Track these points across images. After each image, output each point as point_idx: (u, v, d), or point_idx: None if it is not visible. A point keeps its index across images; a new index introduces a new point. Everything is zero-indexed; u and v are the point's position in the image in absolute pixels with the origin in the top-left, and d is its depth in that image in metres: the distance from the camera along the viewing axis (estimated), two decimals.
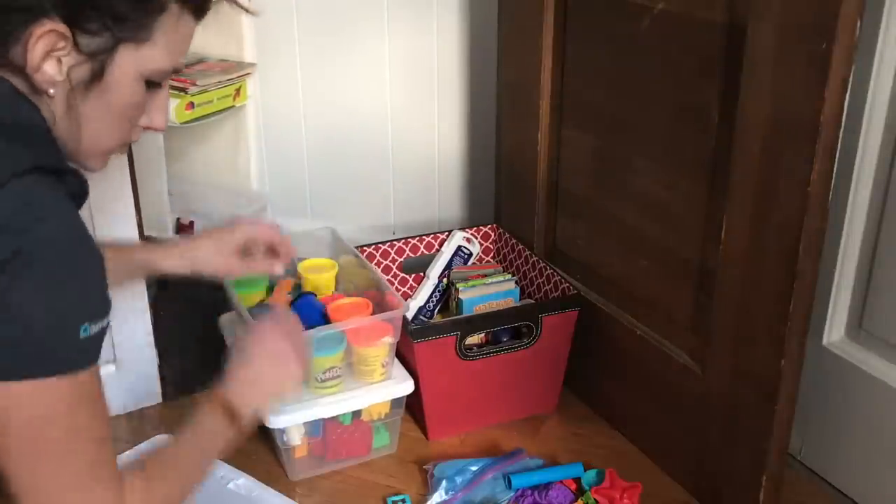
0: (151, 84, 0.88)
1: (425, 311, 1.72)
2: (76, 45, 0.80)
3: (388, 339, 1.35)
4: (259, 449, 1.41)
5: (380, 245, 1.69)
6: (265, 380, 1.08)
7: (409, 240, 1.72)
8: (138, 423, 1.49)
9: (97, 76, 0.82)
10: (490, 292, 1.61)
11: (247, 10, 0.98)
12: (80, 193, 0.83)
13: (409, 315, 1.68)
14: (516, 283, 1.65)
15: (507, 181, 1.74)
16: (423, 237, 1.73)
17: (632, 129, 1.38)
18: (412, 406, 1.52)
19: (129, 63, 0.83)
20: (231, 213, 2.07)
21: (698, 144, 1.24)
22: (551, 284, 1.55)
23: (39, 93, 0.81)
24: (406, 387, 1.37)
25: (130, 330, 1.51)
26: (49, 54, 0.79)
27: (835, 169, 1.06)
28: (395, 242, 1.71)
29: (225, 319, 1.52)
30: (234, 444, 0.98)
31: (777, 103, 1.08)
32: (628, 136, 1.40)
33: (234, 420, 0.99)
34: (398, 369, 1.40)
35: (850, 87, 1.02)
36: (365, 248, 1.67)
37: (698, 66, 1.22)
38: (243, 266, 1.28)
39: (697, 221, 1.27)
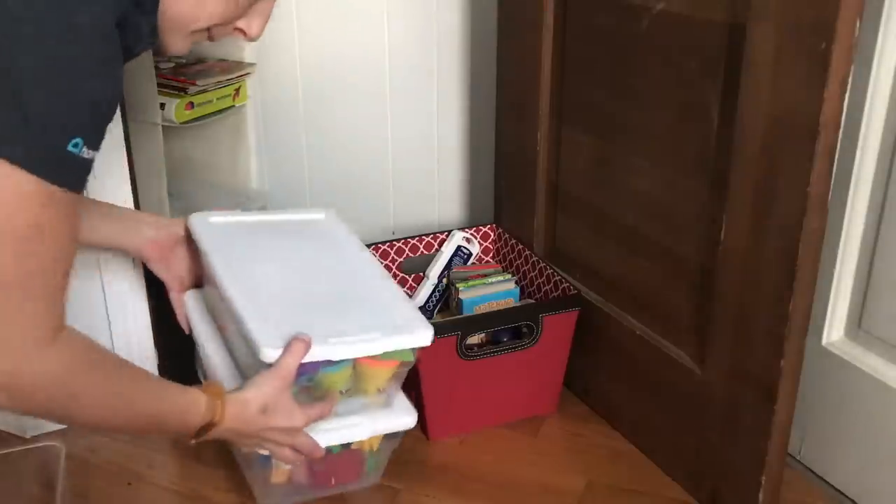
0: None
1: (425, 311, 1.72)
2: None
3: (397, 368, 1.21)
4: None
5: (379, 245, 1.69)
6: (265, 437, 1.09)
7: (409, 240, 1.72)
8: None
9: None
10: (490, 292, 1.62)
11: None
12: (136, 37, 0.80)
13: None
14: (516, 283, 1.65)
15: (507, 181, 1.74)
16: (423, 237, 1.73)
17: (632, 129, 1.38)
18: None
19: None
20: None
21: (698, 144, 1.24)
22: (551, 284, 1.55)
23: None
24: (406, 421, 1.25)
25: (130, 329, 1.51)
26: None
27: (834, 169, 1.06)
28: (394, 242, 1.71)
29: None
30: (180, 440, 1.00)
31: (777, 103, 1.08)
32: (628, 136, 1.40)
33: (206, 427, 1.00)
34: (401, 400, 1.27)
35: (849, 87, 1.02)
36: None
37: (698, 66, 1.22)
38: (157, 263, 1.30)
39: (697, 221, 1.27)
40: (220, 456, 1.39)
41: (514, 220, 1.72)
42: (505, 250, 1.74)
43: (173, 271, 1.34)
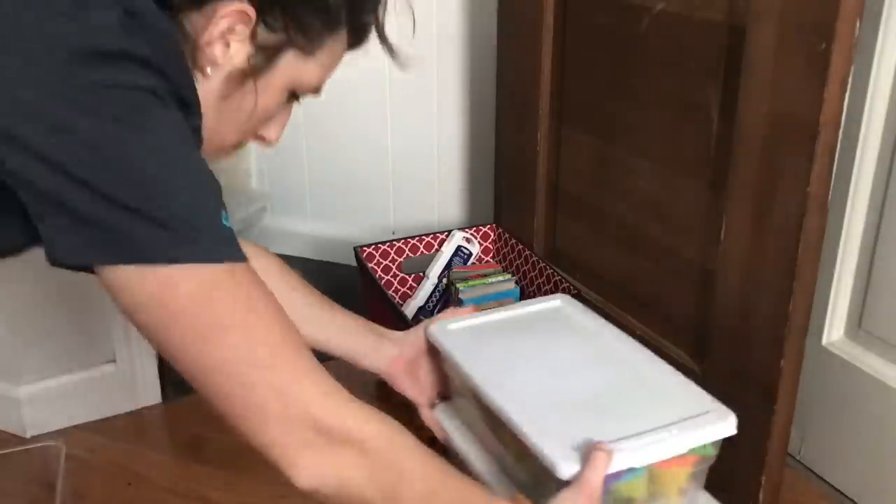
0: (292, 97, 0.87)
1: (425, 311, 1.72)
2: (253, 34, 0.78)
3: (695, 466, 1.04)
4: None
5: (379, 245, 1.69)
6: None
7: (409, 240, 1.72)
8: (138, 424, 1.49)
9: (256, 72, 0.80)
10: (490, 292, 1.62)
11: (393, 58, 0.97)
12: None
13: (409, 315, 1.68)
14: (516, 283, 1.65)
15: (506, 181, 1.74)
16: (423, 237, 1.73)
17: (632, 129, 1.38)
18: (412, 406, 1.52)
19: (289, 70, 0.82)
20: (231, 212, 2.08)
21: (698, 144, 1.24)
22: (551, 284, 1.55)
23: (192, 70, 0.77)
24: None
25: (130, 330, 1.51)
26: (225, 35, 0.77)
27: (834, 169, 1.06)
28: (394, 242, 1.71)
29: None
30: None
31: (777, 103, 1.08)
32: (628, 136, 1.40)
33: None
34: (707, 499, 1.07)
35: (849, 87, 1.02)
36: (365, 248, 1.67)
37: (698, 66, 1.22)
38: (404, 380, 1.18)
39: (697, 221, 1.27)
40: (220, 456, 1.39)
41: (514, 220, 1.72)
42: (505, 250, 1.74)
43: (421, 386, 1.20)
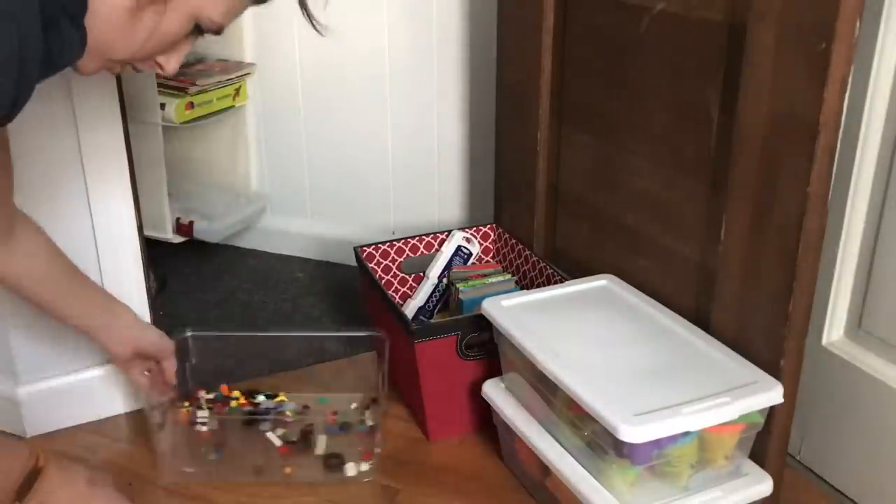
0: (195, 31, 0.90)
1: (425, 311, 1.72)
2: None
3: (743, 432, 1.13)
4: None
5: (379, 245, 1.69)
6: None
7: (409, 240, 1.72)
8: (138, 423, 1.49)
9: None
10: (490, 292, 1.61)
11: (314, 26, 1.00)
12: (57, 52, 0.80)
13: (409, 315, 1.68)
14: (516, 283, 1.65)
15: (506, 181, 1.74)
16: (423, 237, 1.73)
17: (632, 129, 1.38)
18: (412, 406, 1.52)
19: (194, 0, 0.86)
20: (231, 212, 2.08)
21: (698, 144, 1.24)
22: (551, 284, 1.55)
23: None
24: (763, 489, 1.15)
25: None
26: None
27: (834, 169, 1.06)
28: (394, 242, 1.71)
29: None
30: None
31: (777, 103, 1.08)
32: (628, 136, 1.40)
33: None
34: (751, 466, 1.17)
35: (849, 87, 1.02)
36: (365, 248, 1.67)
37: (698, 66, 1.22)
38: (129, 369, 1.37)
39: (697, 221, 1.27)
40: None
41: (514, 220, 1.72)
42: (505, 250, 1.74)
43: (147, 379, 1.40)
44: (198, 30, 0.90)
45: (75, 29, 0.81)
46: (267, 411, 1.44)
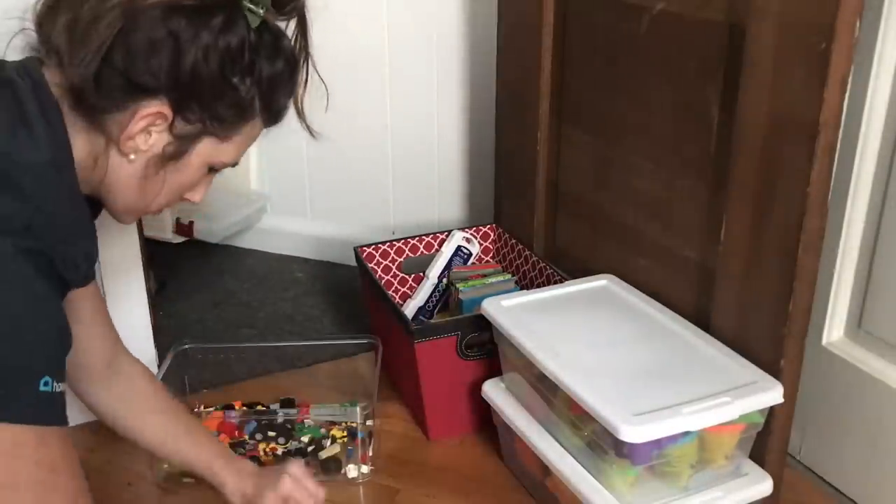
0: (211, 170, 0.96)
1: (425, 311, 1.72)
2: (171, 126, 0.88)
3: (743, 433, 1.13)
4: None
5: (379, 245, 1.69)
6: None
7: (409, 240, 1.72)
8: None
9: (176, 157, 0.90)
10: (490, 292, 1.61)
11: (310, 132, 1.08)
12: (74, 267, 0.85)
13: (409, 315, 1.68)
14: (516, 282, 1.65)
15: (506, 181, 1.74)
16: (423, 237, 1.73)
17: (632, 129, 1.38)
18: (412, 406, 1.52)
19: (206, 152, 0.92)
20: (231, 212, 2.08)
21: (698, 144, 1.24)
22: (551, 284, 1.55)
23: (115, 154, 0.88)
24: (763, 488, 1.15)
25: (130, 330, 1.51)
26: (146, 129, 0.87)
27: (834, 169, 1.06)
28: (394, 242, 1.71)
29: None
30: None
31: (777, 103, 1.08)
32: (628, 136, 1.40)
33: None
34: (751, 466, 1.17)
35: (849, 87, 1.02)
36: (365, 248, 1.68)
37: (698, 66, 1.22)
38: None
39: (697, 221, 1.27)
40: None
41: (514, 220, 1.72)
42: (505, 250, 1.74)
43: None
44: (213, 170, 0.96)
45: (73, 248, 0.85)
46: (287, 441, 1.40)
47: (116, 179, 0.90)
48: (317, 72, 1.02)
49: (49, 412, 0.79)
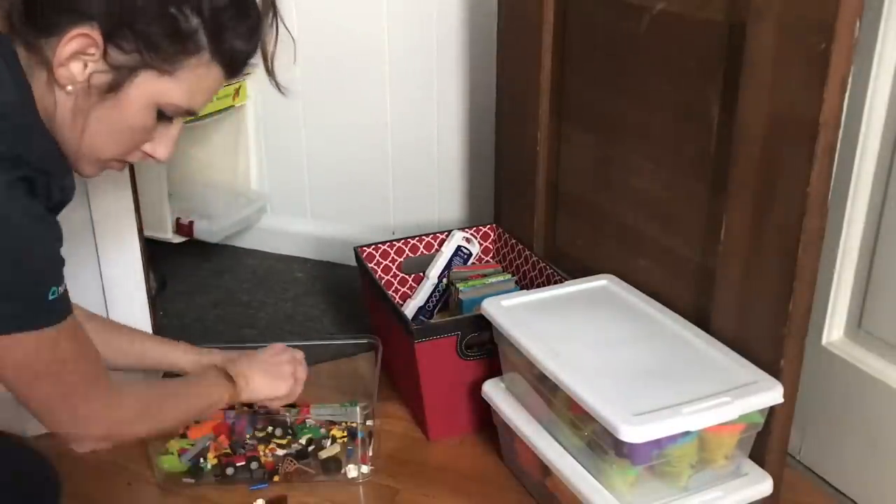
0: (163, 115, 0.93)
1: (425, 311, 1.72)
2: (105, 55, 0.86)
3: (743, 433, 1.13)
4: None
5: (379, 245, 1.69)
6: (269, 371, 1.28)
7: (409, 240, 1.72)
8: None
9: (113, 88, 0.88)
10: (490, 292, 1.61)
11: (278, 88, 1.04)
12: (48, 196, 0.88)
13: (409, 315, 1.68)
14: (516, 282, 1.65)
15: (506, 181, 1.74)
16: (423, 237, 1.73)
17: (632, 129, 1.38)
18: (412, 406, 1.52)
19: (147, 88, 0.89)
20: (231, 212, 2.08)
21: (698, 144, 1.24)
22: (551, 284, 1.55)
23: (55, 87, 0.87)
24: (763, 488, 1.15)
25: None
26: (77, 55, 0.85)
27: (834, 169, 1.06)
28: (394, 242, 1.71)
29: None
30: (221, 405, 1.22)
31: (777, 103, 1.08)
32: (628, 136, 1.40)
33: (230, 386, 1.22)
34: (751, 466, 1.17)
35: (849, 87, 1.02)
36: (365, 248, 1.68)
37: (698, 66, 1.22)
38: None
39: (697, 221, 1.27)
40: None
41: (514, 220, 1.72)
42: (505, 250, 1.74)
43: None
44: (165, 116, 0.93)
45: (52, 181, 0.89)
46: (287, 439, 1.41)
47: (61, 115, 0.89)
48: (284, 26, 0.99)
49: (57, 314, 0.88)
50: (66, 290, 0.88)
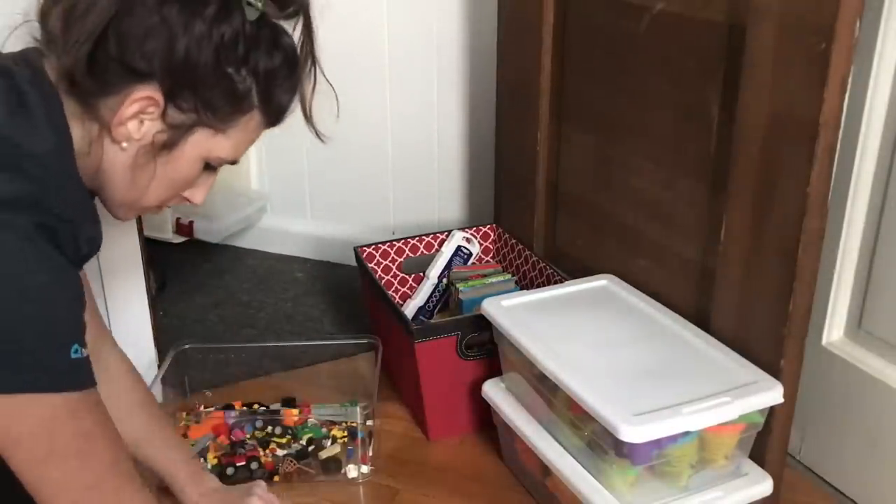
0: (208, 166, 0.95)
1: (425, 311, 1.72)
2: (163, 114, 0.87)
3: (743, 433, 1.13)
4: None
5: (379, 245, 1.69)
6: None
7: (409, 240, 1.72)
8: None
9: (168, 146, 0.90)
10: (490, 292, 1.61)
11: (318, 136, 1.08)
12: (75, 247, 0.85)
13: (409, 315, 1.68)
14: (516, 283, 1.65)
15: (507, 181, 1.74)
16: (423, 237, 1.73)
17: (632, 129, 1.38)
18: (412, 406, 1.52)
19: (200, 145, 0.91)
20: (231, 212, 2.08)
21: (698, 144, 1.24)
22: (551, 284, 1.55)
23: (108, 142, 0.88)
24: (764, 488, 1.15)
25: (130, 330, 1.51)
26: (137, 115, 0.87)
27: (834, 169, 1.06)
28: (394, 242, 1.71)
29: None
30: None
31: (777, 103, 1.08)
32: (628, 136, 1.40)
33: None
34: (751, 466, 1.17)
35: (849, 87, 1.02)
36: (365, 248, 1.67)
37: (698, 66, 1.22)
38: None
39: (697, 221, 1.27)
40: None
41: (514, 220, 1.72)
42: (505, 250, 1.74)
43: None
44: (211, 166, 0.95)
45: (76, 230, 0.86)
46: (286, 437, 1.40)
47: (110, 168, 0.90)
48: (324, 76, 1.01)
49: (81, 378, 0.81)
50: (88, 357, 0.82)
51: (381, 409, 1.48)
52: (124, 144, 0.88)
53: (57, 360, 0.79)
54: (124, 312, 1.49)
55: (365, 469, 1.36)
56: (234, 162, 0.96)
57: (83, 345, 0.81)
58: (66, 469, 0.82)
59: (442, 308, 1.74)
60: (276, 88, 0.94)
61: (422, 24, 1.89)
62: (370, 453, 1.38)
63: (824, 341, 1.34)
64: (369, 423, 1.40)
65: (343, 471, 1.36)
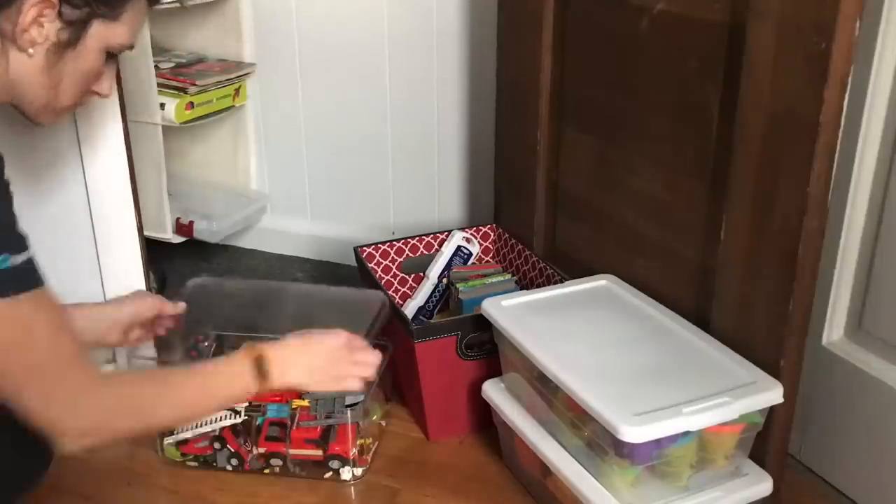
0: (110, 55, 1.03)
1: (425, 311, 1.72)
2: (60, 13, 0.95)
3: (743, 433, 1.13)
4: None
5: (379, 245, 1.69)
6: (314, 359, 1.12)
7: (409, 240, 1.72)
8: None
9: (73, 42, 0.97)
10: (490, 292, 1.61)
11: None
12: None
13: (409, 315, 1.68)
14: (516, 282, 1.65)
15: (507, 181, 1.74)
16: (423, 237, 1.73)
17: (632, 129, 1.38)
18: (412, 406, 1.52)
19: (100, 35, 0.99)
20: (231, 212, 2.08)
21: (698, 144, 1.24)
22: (551, 284, 1.55)
23: (14, 52, 0.94)
24: (764, 488, 1.15)
25: None
26: (37, 20, 0.93)
27: (834, 169, 1.06)
28: (394, 243, 1.71)
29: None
30: (249, 396, 1.07)
31: (777, 103, 1.08)
32: (628, 136, 1.40)
33: (259, 374, 1.06)
34: (751, 466, 1.17)
35: (849, 87, 1.02)
36: (365, 248, 1.67)
37: (698, 66, 1.22)
38: (127, 341, 1.28)
39: (697, 221, 1.27)
40: None
41: (514, 220, 1.72)
42: (505, 250, 1.74)
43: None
44: (111, 54, 1.03)
45: None
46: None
47: (24, 77, 0.97)
48: None
49: (14, 283, 0.86)
50: (31, 261, 0.88)
51: (380, 410, 1.48)
52: (31, 51, 0.95)
53: None
54: None
55: (358, 471, 1.36)
56: (131, 47, 1.04)
57: (12, 251, 0.86)
58: (16, 357, 0.88)
59: (442, 308, 1.74)
60: None
61: (422, 25, 1.89)
62: (370, 453, 1.38)
63: (824, 341, 1.34)
64: (382, 422, 1.39)
65: (340, 471, 1.36)
